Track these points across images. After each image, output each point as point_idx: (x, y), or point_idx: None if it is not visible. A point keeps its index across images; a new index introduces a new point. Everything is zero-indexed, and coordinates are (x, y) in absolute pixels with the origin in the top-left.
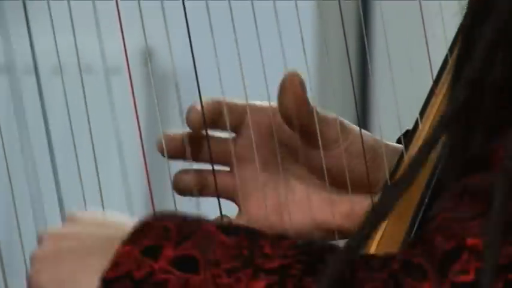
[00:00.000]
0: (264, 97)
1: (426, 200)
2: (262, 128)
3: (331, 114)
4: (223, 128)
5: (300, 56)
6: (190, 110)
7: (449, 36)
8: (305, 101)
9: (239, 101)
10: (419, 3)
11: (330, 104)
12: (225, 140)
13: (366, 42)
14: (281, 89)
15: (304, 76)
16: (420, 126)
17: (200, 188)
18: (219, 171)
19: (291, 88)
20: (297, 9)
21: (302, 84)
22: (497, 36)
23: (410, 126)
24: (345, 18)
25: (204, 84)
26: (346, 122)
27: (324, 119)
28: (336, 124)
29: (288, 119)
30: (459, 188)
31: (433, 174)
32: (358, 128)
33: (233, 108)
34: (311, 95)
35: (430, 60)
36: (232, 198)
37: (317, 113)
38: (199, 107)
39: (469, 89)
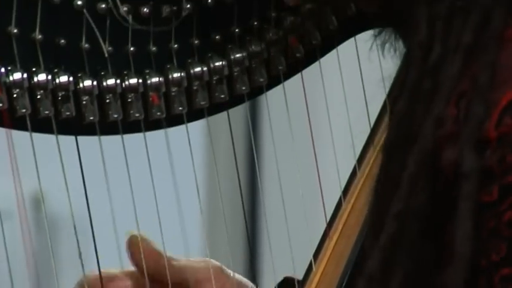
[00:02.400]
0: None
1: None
2: None
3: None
4: None
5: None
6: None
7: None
8: (152, 254)
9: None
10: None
11: (219, 246)
12: None
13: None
14: (128, 248)
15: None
16: (314, 268)
17: None
18: None
19: (136, 246)
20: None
21: (146, 241)
22: (419, 168)
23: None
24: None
25: (97, 230)
26: (226, 270)
27: (181, 268)
28: (207, 270)
29: (143, 273)
30: None
31: None
32: (240, 279)
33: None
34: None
35: (324, 205)
36: None
37: (175, 261)
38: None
39: (398, 221)
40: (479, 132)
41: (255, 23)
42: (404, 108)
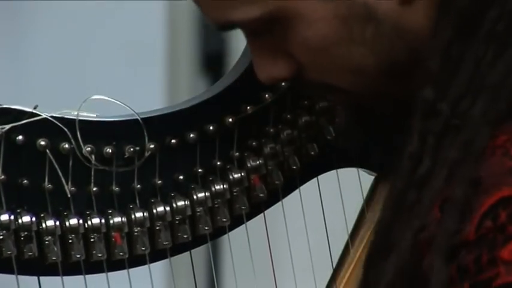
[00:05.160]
0: None
1: None
2: None
3: None
4: None
5: None
6: None
7: None
8: None
9: None
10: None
11: None
12: None
13: None
14: None
15: None
16: None
17: None
18: None
19: None
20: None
21: None
22: (396, 276)
23: None
24: None
25: None
26: None
27: None
28: None
29: None
30: None
31: None
32: None
33: None
34: None
35: None
36: None
37: None
38: None
39: None
40: (453, 239)
41: (218, 163)
42: (388, 217)
